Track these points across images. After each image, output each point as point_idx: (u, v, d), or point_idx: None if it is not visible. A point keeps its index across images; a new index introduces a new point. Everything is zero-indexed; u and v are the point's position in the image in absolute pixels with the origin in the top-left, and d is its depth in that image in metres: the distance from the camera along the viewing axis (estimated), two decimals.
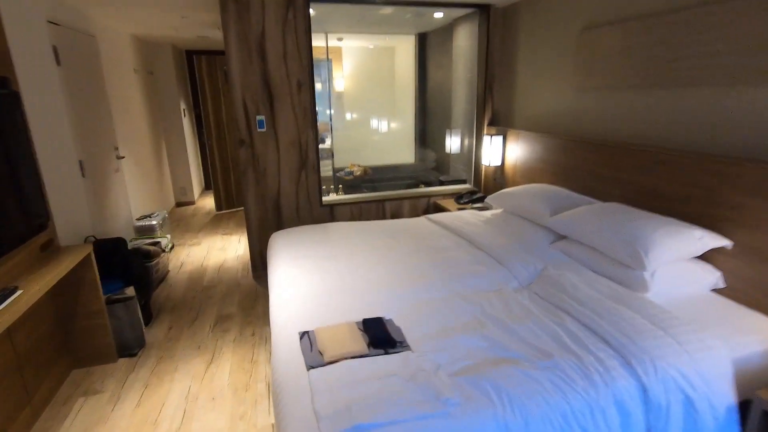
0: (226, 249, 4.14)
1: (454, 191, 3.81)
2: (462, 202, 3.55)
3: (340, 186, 4.07)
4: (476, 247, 2.34)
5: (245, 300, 3.11)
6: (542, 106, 3.05)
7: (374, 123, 5.48)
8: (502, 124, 3.57)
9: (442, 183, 4.04)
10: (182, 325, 2.79)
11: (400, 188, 4.75)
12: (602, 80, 2.48)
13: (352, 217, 3.59)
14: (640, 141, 2.30)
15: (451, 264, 2.11)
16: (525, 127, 3.27)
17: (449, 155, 4.43)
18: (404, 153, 5.38)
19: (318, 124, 3.36)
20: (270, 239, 2.69)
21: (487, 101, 3.61)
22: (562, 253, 2.21)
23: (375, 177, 4.98)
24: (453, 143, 4.15)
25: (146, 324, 2.76)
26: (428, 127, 5.10)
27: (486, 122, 3.66)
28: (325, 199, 3.57)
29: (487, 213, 2.94)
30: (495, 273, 2.03)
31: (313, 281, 1.94)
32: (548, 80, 2.96)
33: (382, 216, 3.67)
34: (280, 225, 3.44)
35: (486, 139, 3.44)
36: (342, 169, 4.84)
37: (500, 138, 3.39)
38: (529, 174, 3.13)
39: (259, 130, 3.19)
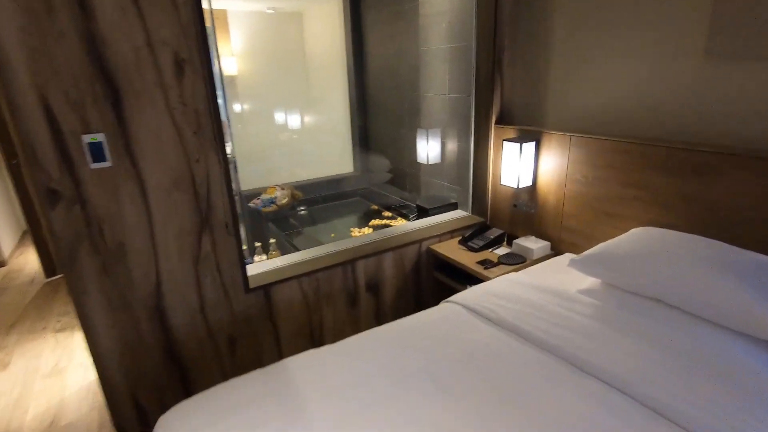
0: (63, 371, 2.27)
1: (452, 226, 2.49)
2: (475, 248, 2.25)
3: (272, 241, 2.41)
4: (672, 422, 1.05)
5: None
6: (616, 91, 1.86)
7: (286, 118, 3.87)
8: (518, 123, 2.32)
9: (421, 210, 2.69)
10: None
11: (348, 213, 3.29)
12: None
13: (306, 300, 2.06)
14: None
15: None
16: (575, 127, 2.06)
17: (420, 166, 3.09)
18: (339, 160, 3.89)
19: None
20: None
21: (495, 86, 2.32)
22: None
23: (308, 200, 3.44)
24: (431, 150, 2.80)
25: None
26: (375, 125, 3.66)
27: (493, 119, 2.38)
28: (251, 272, 1.97)
29: (567, 287, 1.68)
30: None
31: None
32: (631, 42, 1.76)
33: (354, 287, 2.19)
34: (169, 349, 1.75)
35: (509, 147, 2.16)
36: (256, 196, 3.19)
37: (532, 145, 2.15)
38: (604, 206, 1.94)
39: (93, 165, 1.46)
